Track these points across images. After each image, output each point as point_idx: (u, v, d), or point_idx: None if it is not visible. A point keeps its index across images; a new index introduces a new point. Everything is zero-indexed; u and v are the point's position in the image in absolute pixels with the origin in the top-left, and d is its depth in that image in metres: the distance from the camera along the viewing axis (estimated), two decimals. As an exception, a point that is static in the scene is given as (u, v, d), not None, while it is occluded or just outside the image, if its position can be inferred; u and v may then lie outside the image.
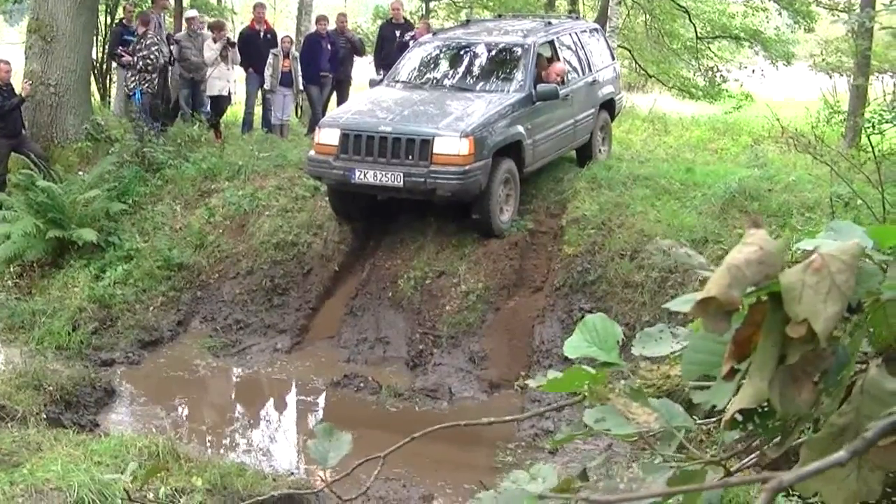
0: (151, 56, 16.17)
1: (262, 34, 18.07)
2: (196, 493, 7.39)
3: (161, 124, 16.75)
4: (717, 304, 1.37)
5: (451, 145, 12.32)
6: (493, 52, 14.61)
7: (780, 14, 27.90)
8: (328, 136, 13.00)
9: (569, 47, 15.43)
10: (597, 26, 18.01)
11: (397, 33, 18.15)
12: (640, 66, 30.19)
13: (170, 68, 17.24)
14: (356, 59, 19.51)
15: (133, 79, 16.18)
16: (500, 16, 19.41)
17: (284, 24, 35.22)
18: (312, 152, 13.29)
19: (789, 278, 1.40)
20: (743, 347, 1.48)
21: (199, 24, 17.83)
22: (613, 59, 17.62)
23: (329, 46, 18.17)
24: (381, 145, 12.52)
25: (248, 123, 18.28)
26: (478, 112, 12.94)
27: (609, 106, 16.58)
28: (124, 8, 19.53)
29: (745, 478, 1.43)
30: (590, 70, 15.73)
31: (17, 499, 6.57)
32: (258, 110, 18.80)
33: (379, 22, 23.97)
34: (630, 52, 29.48)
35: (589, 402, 1.82)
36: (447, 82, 14.37)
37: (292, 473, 9.23)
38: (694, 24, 27.88)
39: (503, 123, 12.95)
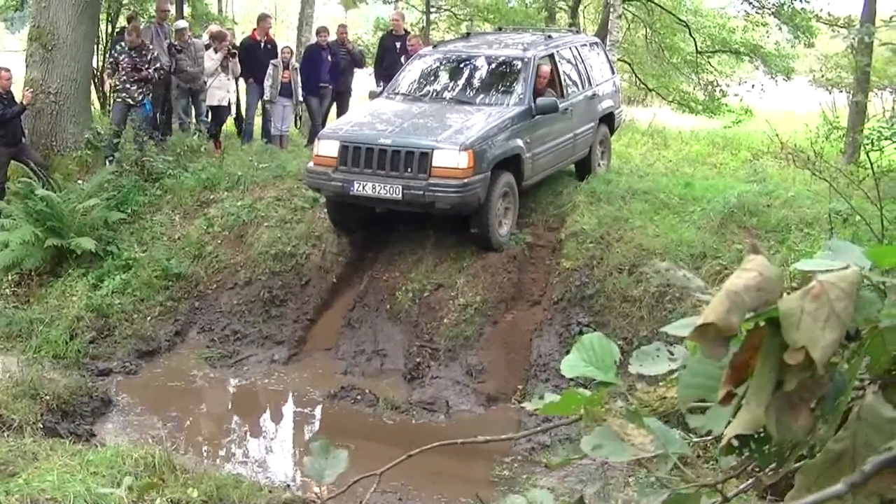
0: (156, 67, 16.19)
1: (262, 45, 18.09)
2: (192, 504, 7.37)
3: (161, 134, 16.77)
4: (716, 329, 1.37)
5: (450, 158, 12.30)
6: (493, 66, 14.59)
7: (780, 29, 27.90)
8: (327, 147, 12.97)
9: (569, 61, 15.43)
10: (597, 40, 18.03)
11: (398, 45, 18.16)
12: (639, 79, 30.25)
13: (172, 78, 17.24)
14: (357, 70, 19.54)
15: (140, 91, 16.15)
16: (500, 28, 19.32)
17: (285, 35, 35.27)
18: (311, 164, 13.25)
19: (788, 305, 1.40)
20: (740, 372, 1.48)
21: (190, 35, 17.82)
22: (613, 73, 17.62)
23: (329, 58, 18.19)
24: (380, 158, 12.50)
25: (247, 134, 18.30)
26: (477, 125, 12.91)
27: (609, 120, 16.58)
28: (127, 18, 19.55)
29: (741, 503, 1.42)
30: (589, 84, 15.71)
31: (12, 509, 6.56)
32: (258, 121, 18.82)
33: (379, 34, 24.00)
34: (630, 65, 29.54)
35: (585, 425, 1.82)
36: (447, 95, 14.33)
37: (288, 486, 9.20)
38: (694, 39, 27.93)
39: (502, 137, 12.94)
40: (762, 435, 1.52)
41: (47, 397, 10.19)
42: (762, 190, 14.36)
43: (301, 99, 18.39)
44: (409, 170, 12.39)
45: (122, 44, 16.13)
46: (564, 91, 14.74)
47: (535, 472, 9.57)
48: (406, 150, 12.44)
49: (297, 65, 18.40)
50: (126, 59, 15.87)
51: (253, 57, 17.90)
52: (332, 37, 18.72)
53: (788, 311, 1.39)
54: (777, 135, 13.62)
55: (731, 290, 1.39)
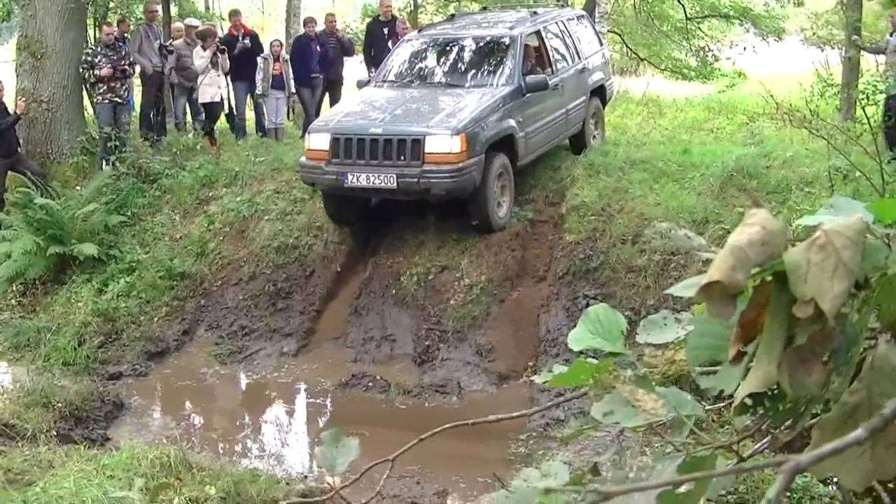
0: (130, 61, 16.19)
1: (240, 38, 17.96)
2: (210, 501, 7.38)
3: (156, 135, 16.74)
4: (722, 287, 1.35)
5: (442, 143, 12.22)
6: (481, 46, 14.45)
7: (768, -10, 27.85)
8: (318, 140, 12.95)
9: (556, 35, 15.29)
10: (583, 13, 17.78)
11: (386, 30, 18.07)
12: (631, 49, 30.19)
13: (165, 78, 17.19)
14: (347, 59, 19.45)
15: (123, 87, 16.11)
16: (485, 8, 19.09)
17: (273, 28, 35.16)
18: (304, 158, 13.21)
19: (794, 257, 1.37)
20: (748, 330, 1.46)
21: (192, 32, 17.80)
22: (602, 44, 17.43)
23: (319, 48, 18.10)
24: (373, 147, 12.44)
25: (240, 129, 18.25)
26: (468, 108, 12.81)
27: (600, 92, 16.43)
28: (117, 22, 19.46)
29: (759, 462, 1.40)
30: (578, 58, 15.56)
31: (31, 517, 6.56)
32: (250, 115, 18.79)
33: (367, 20, 23.90)
34: (621, 36, 29.46)
35: (595, 394, 1.80)
36: (435, 79, 14.30)
37: (305, 477, 9.21)
38: (683, 5, 27.84)
39: (494, 118, 12.83)
40: (776, 392, 1.51)
41: (59, 405, 10.20)
42: (760, 152, 14.34)
43: (293, 91, 18.34)
44: (403, 158, 12.33)
45: (96, 45, 16.04)
46: (553, 67, 14.58)
47: (550, 447, 9.57)
48: (398, 138, 12.38)
49: (287, 56, 18.35)
50: (103, 59, 15.81)
51: (233, 53, 17.84)
52: (321, 26, 18.63)
53: (795, 263, 1.37)
54: (772, 96, 13.56)
55: (735, 246, 1.36)
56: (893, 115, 13.59)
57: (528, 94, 13.44)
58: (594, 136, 16.03)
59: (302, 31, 19.29)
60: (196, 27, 17.78)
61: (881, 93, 13.94)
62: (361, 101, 14.08)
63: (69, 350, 12.45)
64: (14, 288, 14.09)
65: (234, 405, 12.05)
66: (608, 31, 23.73)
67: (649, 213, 12.51)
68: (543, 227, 13.36)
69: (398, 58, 14.88)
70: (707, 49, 28.90)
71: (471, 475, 9.18)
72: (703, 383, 1.64)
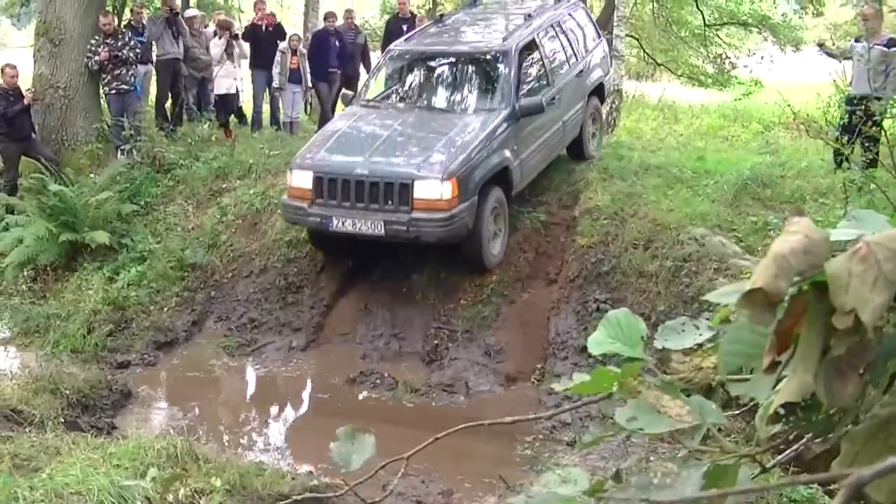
0: (131, 46, 16.15)
1: (264, 28, 18.08)
2: (215, 493, 7.36)
3: (171, 125, 16.77)
4: (764, 295, 1.34)
5: (432, 189, 11.53)
6: (471, 61, 13.55)
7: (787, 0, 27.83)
8: (301, 178, 12.23)
9: (553, 37, 14.35)
10: (579, 4, 16.39)
11: (404, 28, 18.08)
12: (648, 54, 30.16)
13: (182, 67, 17.23)
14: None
15: (129, 74, 16.12)
16: (474, 2, 16.82)
17: (292, 21, 35.20)
18: (286, 197, 12.52)
19: (835, 268, 1.37)
20: (785, 339, 1.45)
21: (201, 23, 17.86)
22: (599, 36, 16.42)
23: (337, 43, 18.15)
24: (358, 190, 11.76)
25: (256, 122, 18.31)
26: (459, 143, 12.05)
27: (598, 90, 15.67)
28: (132, 10, 19.51)
29: (816, 475, 1.38)
30: (576, 58, 14.73)
31: (37, 503, 6.55)
32: (266, 108, 18.84)
33: (386, 17, 23.93)
34: (638, 40, 29.47)
35: (619, 398, 1.79)
36: (424, 102, 13.45)
37: (311, 472, 9.21)
38: (702, 12, 27.85)
39: (487, 152, 12.09)
40: (809, 402, 1.50)
41: (67, 392, 10.20)
42: (775, 161, 14.35)
43: (310, 85, 18.39)
44: (390, 202, 11.65)
45: (97, 36, 16.02)
46: (550, 78, 13.77)
47: (556, 450, 9.55)
48: (385, 182, 11.66)
49: (305, 51, 18.40)
50: (105, 50, 15.81)
51: (255, 41, 17.97)
52: (340, 21, 18.68)
53: (836, 273, 1.36)
54: (789, 105, 13.51)
55: (778, 254, 1.35)
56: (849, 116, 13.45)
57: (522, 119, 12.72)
58: (593, 136, 15.39)
59: (321, 25, 19.34)
60: (195, 17, 17.82)
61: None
62: (346, 130, 12.98)
63: (78, 337, 12.46)
64: (25, 273, 14.13)
65: (242, 398, 12.04)
66: (626, 34, 23.67)
67: (662, 218, 12.48)
68: (556, 229, 13.34)
69: (382, 73, 14.21)
70: (724, 56, 28.89)
71: (476, 476, 9.17)
72: (735, 390, 1.63)
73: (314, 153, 12.49)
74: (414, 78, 13.88)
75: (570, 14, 15.35)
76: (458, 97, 13.29)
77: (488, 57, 13.38)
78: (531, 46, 13.63)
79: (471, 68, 13.51)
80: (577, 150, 14.89)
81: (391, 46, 14.77)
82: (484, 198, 12.01)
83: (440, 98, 13.40)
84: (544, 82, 13.60)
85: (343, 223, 11.82)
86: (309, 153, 12.58)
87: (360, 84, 15.71)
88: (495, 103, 12.78)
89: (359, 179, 11.75)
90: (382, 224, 11.62)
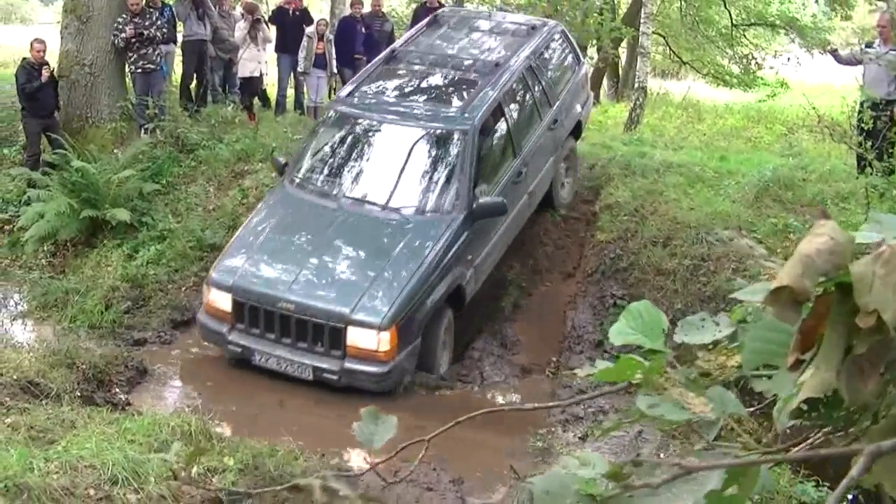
0: (158, 25, 16.17)
1: (290, 12, 18.15)
2: (228, 472, 7.41)
3: (195, 106, 16.82)
4: (790, 293, 1.37)
5: (369, 339, 9.99)
6: (423, 138, 11.76)
7: (816, 1, 27.71)
8: (219, 298, 10.66)
9: (523, 88, 12.66)
10: (558, 29, 14.38)
11: (433, 17, 18.06)
12: (674, 52, 30.10)
13: (209, 48, 17.27)
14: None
15: (155, 53, 16.14)
16: (436, 17, 14.68)
17: (318, 7, 35.21)
18: (202, 314, 11.04)
19: (859, 269, 1.40)
20: (809, 338, 1.48)
21: (230, 5, 17.93)
22: (580, 62, 14.80)
23: (363, 29, 18.18)
24: (284, 324, 10.27)
25: (280, 106, 18.36)
26: (403, 276, 10.35)
27: (575, 129, 14.08)
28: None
29: (838, 449, 1.41)
30: (549, 105, 13.08)
31: (52, 475, 6.60)
32: (290, 92, 18.88)
33: (413, 5, 23.91)
34: (665, 38, 29.40)
35: (643, 394, 1.82)
36: (365, 194, 11.47)
37: (323, 455, 9.24)
38: (729, 11, 27.79)
39: (439, 277, 10.56)
40: (830, 399, 1.52)
41: (83, 366, 10.24)
42: (798, 164, 14.32)
43: (335, 70, 18.43)
44: (320, 344, 10.16)
45: (125, 14, 16.03)
46: (517, 147, 12.14)
47: (569, 442, 9.56)
48: (314, 322, 10.10)
49: (332, 36, 18.43)
50: (131, 29, 15.83)
51: (281, 25, 18.05)
52: (367, 8, 18.69)
53: (860, 274, 1.39)
54: (814, 108, 13.47)
55: (804, 255, 1.39)
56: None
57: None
58: (563, 184, 13.80)
59: (347, 11, 19.37)
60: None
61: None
62: (272, 235, 11.18)
63: (96, 313, 12.51)
64: (45, 248, 14.22)
65: (256, 379, 12.07)
66: (653, 32, 23.63)
67: (682, 217, 12.49)
68: (576, 223, 13.36)
69: (318, 143, 12.32)
70: (751, 57, 28.81)
71: (487, 466, 9.18)
72: (758, 386, 1.66)
73: (237, 264, 10.83)
74: (354, 154, 11.99)
75: (546, 46, 13.63)
76: (405, 191, 11.39)
77: (444, 135, 11.66)
78: (496, 112, 11.97)
79: (423, 148, 11.76)
80: (545, 201, 13.36)
81: (334, 101, 13.42)
82: (435, 322, 10.70)
83: (383, 191, 11.38)
84: (509, 153, 12.11)
85: (267, 360, 10.41)
86: (231, 261, 10.94)
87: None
88: (449, 203, 11.13)
89: (283, 314, 10.26)
90: (311, 370, 10.19)
